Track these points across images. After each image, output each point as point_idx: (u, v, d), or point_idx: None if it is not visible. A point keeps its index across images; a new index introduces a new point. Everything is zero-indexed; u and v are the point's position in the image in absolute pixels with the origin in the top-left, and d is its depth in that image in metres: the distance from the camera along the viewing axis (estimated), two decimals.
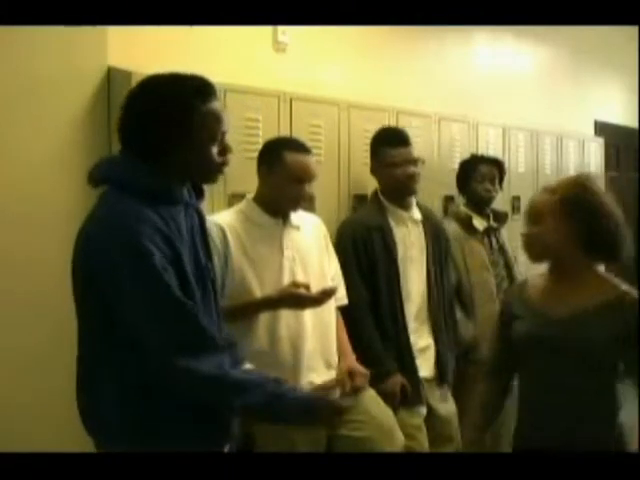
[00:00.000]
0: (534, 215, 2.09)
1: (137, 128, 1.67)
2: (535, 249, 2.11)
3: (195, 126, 1.66)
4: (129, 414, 1.62)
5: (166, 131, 1.65)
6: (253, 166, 2.66)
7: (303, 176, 2.54)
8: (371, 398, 2.70)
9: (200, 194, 1.83)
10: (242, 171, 2.74)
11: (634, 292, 2.06)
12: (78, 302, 1.68)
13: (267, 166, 2.58)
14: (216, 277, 1.87)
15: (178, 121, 1.65)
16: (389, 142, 3.09)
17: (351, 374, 2.64)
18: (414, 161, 3.06)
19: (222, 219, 2.55)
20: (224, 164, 1.75)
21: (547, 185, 2.12)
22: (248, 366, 1.73)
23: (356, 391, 2.64)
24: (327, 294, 2.42)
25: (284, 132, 2.96)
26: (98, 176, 1.70)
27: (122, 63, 2.63)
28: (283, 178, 2.54)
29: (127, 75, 2.58)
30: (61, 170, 2.53)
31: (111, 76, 2.65)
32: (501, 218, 3.68)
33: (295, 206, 2.60)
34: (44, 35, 2.44)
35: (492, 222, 3.62)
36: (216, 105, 1.71)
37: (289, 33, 3.36)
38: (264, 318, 2.49)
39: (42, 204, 2.49)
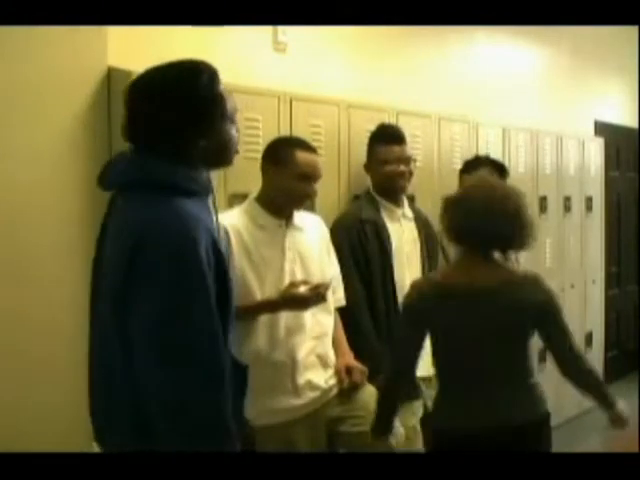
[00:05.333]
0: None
1: (155, 123, 1.60)
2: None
3: (216, 110, 1.63)
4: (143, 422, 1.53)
5: (188, 120, 1.60)
6: (253, 166, 2.65)
7: (312, 174, 2.57)
8: (370, 394, 2.70)
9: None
10: (242, 171, 2.73)
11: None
12: (113, 309, 1.56)
13: (275, 165, 2.58)
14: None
15: (199, 108, 1.60)
16: (382, 139, 3.12)
17: (349, 371, 2.66)
18: (405, 159, 3.08)
19: (224, 219, 2.55)
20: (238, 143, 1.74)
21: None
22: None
23: (354, 387, 2.65)
24: (320, 288, 2.42)
25: (284, 132, 2.95)
26: (120, 179, 1.63)
27: (122, 63, 2.63)
28: (293, 176, 2.54)
29: (127, 75, 2.57)
30: (61, 170, 2.53)
31: (111, 76, 2.65)
32: None
33: (301, 204, 2.62)
34: (44, 35, 2.43)
35: None
36: (222, 86, 1.68)
37: (289, 33, 3.36)
38: (263, 319, 2.50)
39: (42, 203, 2.49)
